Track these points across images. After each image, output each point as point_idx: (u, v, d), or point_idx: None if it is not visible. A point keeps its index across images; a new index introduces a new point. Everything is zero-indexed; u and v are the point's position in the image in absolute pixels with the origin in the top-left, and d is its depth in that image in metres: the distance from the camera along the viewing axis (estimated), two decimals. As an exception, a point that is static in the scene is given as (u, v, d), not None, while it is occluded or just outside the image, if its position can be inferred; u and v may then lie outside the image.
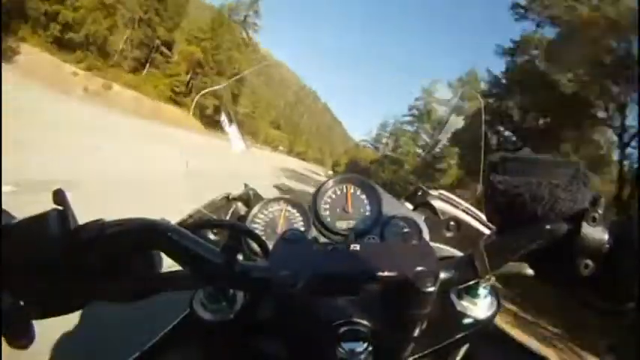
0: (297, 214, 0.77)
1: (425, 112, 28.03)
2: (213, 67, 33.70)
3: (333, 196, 0.79)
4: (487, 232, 0.70)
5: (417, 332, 0.44)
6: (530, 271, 0.43)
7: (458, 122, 0.77)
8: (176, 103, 33.16)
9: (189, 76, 33.95)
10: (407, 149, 27.29)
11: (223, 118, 0.81)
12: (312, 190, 0.81)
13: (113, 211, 0.48)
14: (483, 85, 19.36)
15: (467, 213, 0.75)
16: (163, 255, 0.40)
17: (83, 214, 0.39)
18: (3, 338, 0.34)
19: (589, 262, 0.37)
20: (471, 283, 0.46)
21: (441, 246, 0.74)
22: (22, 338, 0.34)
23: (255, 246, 0.69)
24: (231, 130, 0.81)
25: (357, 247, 0.41)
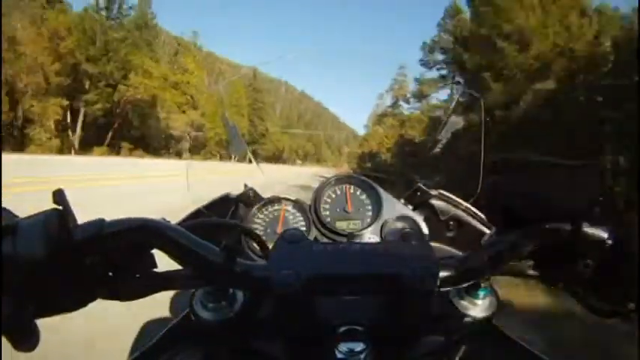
0: (297, 214, 0.77)
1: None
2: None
3: (333, 195, 0.79)
4: (487, 232, 0.69)
5: (416, 332, 0.44)
6: (530, 271, 0.43)
7: (458, 122, 0.77)
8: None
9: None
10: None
11: (225, 120, 0.82)
12: None
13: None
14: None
15: (467, 213, 0.75)
16: (163, 255, 0.40)
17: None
18: (6, 340, 0.33)
19: (589, 262, 0.37)
20: (471, 283, 0.46)
21: (441, 246, 0.74)
22: (26, 339, 0.34)
23: (255, 246, 0.69)
24: (232, 130, 0.81)
25: (357, 247, 0.41)
